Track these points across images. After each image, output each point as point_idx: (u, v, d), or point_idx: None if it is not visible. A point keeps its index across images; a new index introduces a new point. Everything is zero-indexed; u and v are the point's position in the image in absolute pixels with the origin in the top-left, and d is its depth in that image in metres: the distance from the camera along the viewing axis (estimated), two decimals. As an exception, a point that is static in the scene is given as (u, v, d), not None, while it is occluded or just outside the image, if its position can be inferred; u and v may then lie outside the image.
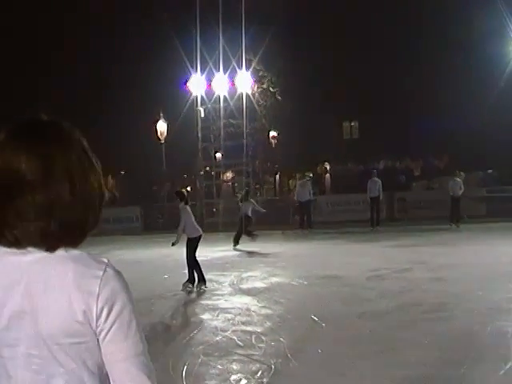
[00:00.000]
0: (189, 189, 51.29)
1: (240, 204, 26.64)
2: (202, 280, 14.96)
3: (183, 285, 14.98)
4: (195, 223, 15.71)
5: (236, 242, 25.30)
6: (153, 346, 9.75)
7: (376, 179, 30.76)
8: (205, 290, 14.64)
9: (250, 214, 25.82)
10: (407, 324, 10.45)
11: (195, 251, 15.10)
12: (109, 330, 1.94)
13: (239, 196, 28.77)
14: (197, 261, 15.12)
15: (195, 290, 14.71)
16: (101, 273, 1.96)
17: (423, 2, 43.83)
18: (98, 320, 1.93)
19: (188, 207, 15.62)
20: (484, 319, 10.29)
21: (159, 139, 38.37)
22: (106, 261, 2.02)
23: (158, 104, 38.95)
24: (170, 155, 39.27)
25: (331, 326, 10.58)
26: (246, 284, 15.59)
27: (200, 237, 15.35)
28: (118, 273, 2.01)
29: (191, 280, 15.02)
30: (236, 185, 46.73)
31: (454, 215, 29.13)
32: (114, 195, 60.94)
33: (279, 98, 43.04)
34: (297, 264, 19.15)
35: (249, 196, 27.42)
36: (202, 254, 23.07)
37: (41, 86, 47.66)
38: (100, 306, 1.92)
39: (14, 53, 46.91)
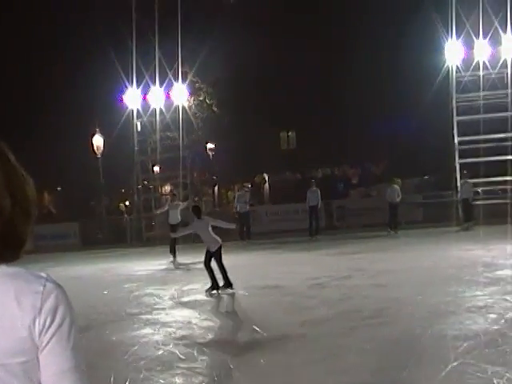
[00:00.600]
0: (127, 203, 50.97)
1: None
2: (216, 286, 15.62)
3: (207, 290, 15.71)
4: (213, 234, 15.95)
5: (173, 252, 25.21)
6: (94, 361, 9.67)
7: (315, 188, 30.98)
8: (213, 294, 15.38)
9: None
10: (348, 330, 10.49)
11: (221, 260, 15.72)
12: (48, 343, 1.91)
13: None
14: (211, 267, 15.74)
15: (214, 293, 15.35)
16: (41, 288, 1.94)
17: (358, 5, 44.21)
18: (40, 334, 1.90)
19: (202, 221, 16.13)
20: (424, 323, 10.39)
21: (95, 153, 38.02)
22: (44, 275, 2.00)
23: (94, 118, 38.63)
24: (107, 169, 38.96)
25: (273, 335, 10.56)
26: (186, 297, 15.51)
27: (220, 247, 15.85)
28: (58, 286, 1.99)
29: (214, 286, 15.66)
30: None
31: (391, 222, 29.44)
32: (51, 211, 60.30)
33: (215, 109, 43.08)
34: (237, 275, 18.99)
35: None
36: (143, 267, 23.11)
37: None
38: (42, 320, 1.90)
39: None
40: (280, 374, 8.56)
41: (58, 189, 64.23)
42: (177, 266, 23.92)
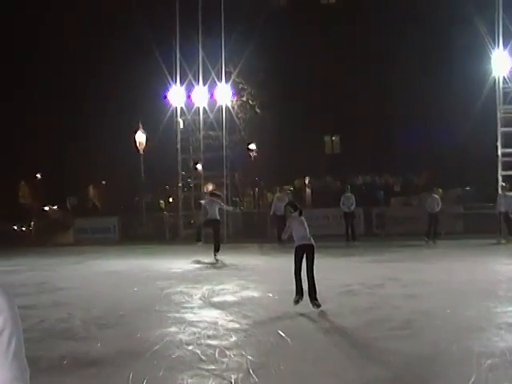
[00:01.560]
0: (170, 200, 51.18)
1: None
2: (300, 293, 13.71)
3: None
4: (305, 233, 14.21)
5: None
6: (115, 358, 9.65)
7: (349, 194, 30.71)
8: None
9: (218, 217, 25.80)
10: (373, 341, 10.32)
11: (300, 262, 13.99)
12: None
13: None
14: (298, 273, 13.94)
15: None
16: None
17: (408, 17, 43.89)
18: None
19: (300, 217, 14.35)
20: (451, 337, 10.19)
21: (138, 150, 38.19)
22: None
23: (138, 115, 38.83)
24: (149, 166, 39.11)
25: (297, 341, 10.44)
26: (216, 297, 15.43)
27: (303, 247, 14.01)
28: (2, 293, 1.87)
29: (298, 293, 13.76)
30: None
31: (430, 231, 29.07)
32: (95, 205, 60.86)
33: (258, 110, 43.02)
34: (270, 278, 19.04)
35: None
36: (177, 265, 23.13)
37: (15, 98, 47.52)
38: None
39: None
40: (298, 382, 8.44)
41: (103, 183, 64.82)
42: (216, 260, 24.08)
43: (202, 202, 28.25)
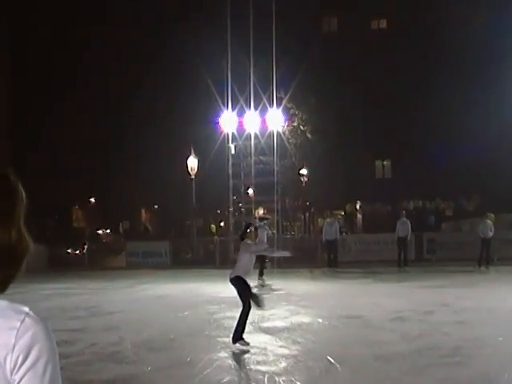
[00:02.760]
0: (222, 224, 51.37)
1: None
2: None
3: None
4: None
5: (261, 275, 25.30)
6: (165, 382, 9.67)
7: (405, 219, 30.53)
8: None
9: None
10: (423, 368, 10.19)
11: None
12: (19, 381, 1.83)
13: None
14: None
15: None
16: (18, 323, 1.85)
17: (457, 41, 43.88)
18: (11, 373, 1.82)
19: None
20: (502, 366, 10.02)
21: (190, 175, 38.41)
22: (26, 310, 1.90)
23: (190, 141, 39.13)
24: (201, 190, 39.30)
25: (346, 368, 10.35)
26: (266, 322, 15.39)
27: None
28: (39, 321, 1.88)
29: None
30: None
31: (482, 257, 28.68)
32: (147, 228, 61.39)
33: (309, 136, 43.05)
34: (321, 303, 18.93)
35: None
36: (227, 289, 23.10)
37: (71, 124, 48.28)
38: (14, 357, 1.81)
39: (34, 86, 47.60)
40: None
41: (156, 207, 65.41)
42: (264, 286, 23.99)
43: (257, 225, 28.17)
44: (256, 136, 37.30)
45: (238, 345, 12.25)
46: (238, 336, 12.30)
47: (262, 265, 25.64)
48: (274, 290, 23.18)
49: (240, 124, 37.22)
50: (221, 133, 37.84)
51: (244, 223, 15.49)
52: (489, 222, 29.05)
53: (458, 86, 43.52)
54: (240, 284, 12.63)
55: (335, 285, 25.13)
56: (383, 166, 54.67)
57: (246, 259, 12.84)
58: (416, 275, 26.89)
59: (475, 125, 42.08)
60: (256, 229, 15.45)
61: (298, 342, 12.80)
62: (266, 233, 26.15)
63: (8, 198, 1.96)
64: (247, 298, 12.59)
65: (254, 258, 13.19)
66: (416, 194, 44.38)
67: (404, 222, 30.49)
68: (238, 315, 12.67)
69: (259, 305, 12.79)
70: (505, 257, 30.94)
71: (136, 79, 47.39)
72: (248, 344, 12.24)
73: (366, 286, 24.13)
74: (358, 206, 47.60)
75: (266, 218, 29.33)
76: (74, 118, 49.50)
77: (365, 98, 46.35)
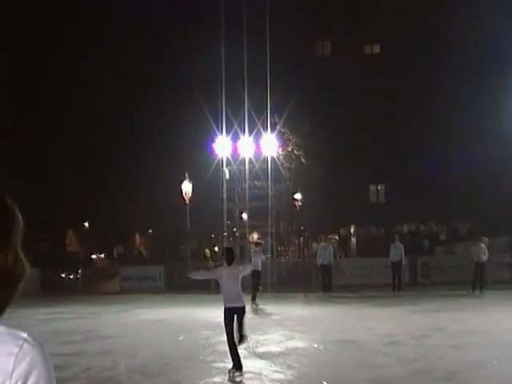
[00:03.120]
0: (216, 249, 51.26)
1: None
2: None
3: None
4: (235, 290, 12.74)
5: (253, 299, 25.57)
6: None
7: (398, 244, 30.49)
8: None
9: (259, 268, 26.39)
10: (419, 392, 10.21)
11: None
12: None
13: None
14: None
15: None
16: (17, 349, 1.85)
17: (448, 61, 44.27)
18: None
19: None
20: (497, 389, 10.04)
21: (184, 199, 38.39)
22: (24, 336, 1.90)
23: (184, 165, 39.17)
24: (195, 215, 39.25)
25: (341, 392, 10.36)
26: (261, 347, 15.36)
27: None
28: (37, 347, 1.88)
29: None
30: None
31: (476, 281, 28.70)
32: (141, 253, 61.29)
33: (304, 160, 43.14)
34: (315, 328, 18.91)
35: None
36: (221, 315, 23.09)
37: (66, 147, 48.31)
38: (13, 383, 1.82)
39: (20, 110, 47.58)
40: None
41: (150, 231, 65.31)
42: (257, 309, 24.12)
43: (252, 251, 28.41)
44: (250, 161, 37.39)
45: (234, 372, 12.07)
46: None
47: (255, 289, 25.94)
48: (269, 315, 23.18)
49: (234, 149, 37.32)
50: (215, 157, 37.92)
51: (225, 248, 15.20)
52: (482, 245, 29.11)
53: (451, 110, 43.76)
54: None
55: (329, 309, 25.11)
56: (377, 190, 54.75)
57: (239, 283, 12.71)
58: (410, 299, 26.87)
59: (468, 147, 42.27)
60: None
61: (293, 367, 12.78)
62: (260, 258, 26.41)
63: (6, 222, 1.97)
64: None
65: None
66: (410, 218, 44.44)
67: (397, 247, 30.45)
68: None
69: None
70: (498, 280, 31.00)
71: (130, 105, 47.51)
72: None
73: (361, 310, 24.11)
74: (352, 230, 47.59)
75: (260, 243, 29.55)
76: (69, 143, 49.53)
77: (358, 122, 46.53)
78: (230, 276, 12.52)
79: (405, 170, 46.28)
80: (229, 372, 12.05)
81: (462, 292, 28.14)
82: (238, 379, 11.81)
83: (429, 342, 15.31)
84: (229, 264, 12.74)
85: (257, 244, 28.51)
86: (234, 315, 12.33)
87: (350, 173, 46.42)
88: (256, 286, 26.48)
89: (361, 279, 34.69)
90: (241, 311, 12.44)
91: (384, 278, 31.71)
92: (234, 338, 12.22)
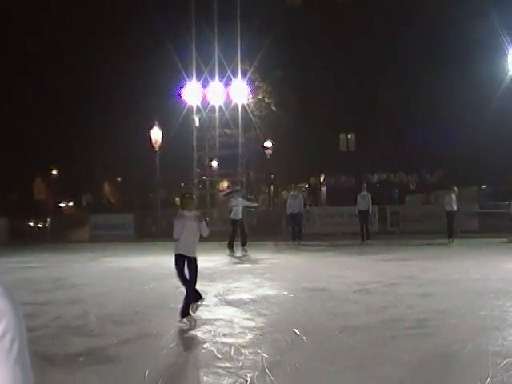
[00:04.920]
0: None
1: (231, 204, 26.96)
2: None
3: None
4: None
5: (231, 248, 25.74)
6: (131, 355, 9.69)
7: (365, 193, 30.52)
8: None
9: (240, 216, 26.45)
10: (388, 340, 10.31)
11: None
12: None
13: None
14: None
15: None
16: None
17: (422, 17, 43.91)
18: None
19: None
20: (466, 337, 10.15)
21: (153, 147, 38.23)
22: None
23: (153, 113, 38.91)
24: (164, 163, 39.15)
25: (312, 339, 10.44)
26: (231, 295, 15.45)
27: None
28: (6, 295, 1.83)
29: None
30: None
31: (451, 229, 28.87)
32: (110, 201, 61.09)
33: (274, 108, 43.02)
34: (285, 276, 19.03)
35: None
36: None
37: (29, 99, 47.67)
38: None
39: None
40: (313, 380, 8.45)
41: (118, 179, 65.04)
42: (233, 258, 24.32)
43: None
44: (220, 108, 37.26)
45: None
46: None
47: (232, 237, 26.19)
48: (239, 263, 23.34)
49: (204, 96, 37.09)
50: (185, 105, 37.70)
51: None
52: (453, 195, 29.27)
53: (424, 57, 43.64)
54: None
55: (299, 258, 25.28)
56: (347, 139, 54.82)
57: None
58: (380, 248, 27.15)
59: (438, 97, 42.32)
60: None
61: (264, 315, 12.86)
62: (239, 206, 26.43)
63: None
64: None
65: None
66: (380, 168, 44.64)
67: (364, 196, 30.48)
68: (203, 288, 12.66)
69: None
70: (468, 230, 31.37)
71: (98, 51, 46.89)
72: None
73: (331, 258, 24.31)
74: (322, 179, 47.77)
75: (229, 193, 29.61)
76: (36, 88, 48.92)
77: (330, 71, 46.31)
78: (189, 226, 12.58)
79: (376, 119, 46.29)
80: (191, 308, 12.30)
81: (431, 241, 28.48)
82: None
83: (398, 290, 15.46)
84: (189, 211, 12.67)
85: (226, 195, 28.55)
86: (184, 262, 12.58)
87: (321, 121, 46.33)
88: (233, 234, 26.56)
89: (330, 228, 34.93)
90: (191, 261, 12.56)
91: (354, 227, 31.94)
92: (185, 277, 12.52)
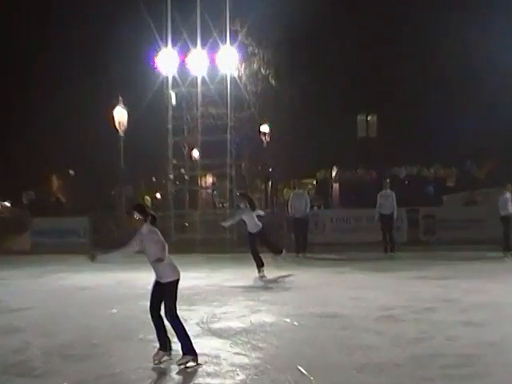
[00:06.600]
0: (158, 196, 51.17)
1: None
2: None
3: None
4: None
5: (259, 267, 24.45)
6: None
7: (388, 192, 30.23)
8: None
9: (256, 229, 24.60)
10: (422, 382, 10.26)
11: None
12: None
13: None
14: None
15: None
16: None
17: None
18: None
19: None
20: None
21: (117, 130, 38.11)
22: None
23: (117, 86, 38.79)
24: (131, 151, 39.06)
25: (322, 380, 10.39)
26: (218, 323, 15.42)
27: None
28: None
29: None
30: (215, 193, 46.64)
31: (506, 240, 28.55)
32: (59, 200, 60.87)
33: (273, 82, 42.98)
34: (287, 298, 19.02)
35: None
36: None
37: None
38: None
39: None
40: None
41: (71, 172, 64.90)
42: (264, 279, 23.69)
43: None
44: (204, 81, 37.19)
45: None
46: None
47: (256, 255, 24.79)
48: (227, 281, 23.28)
49: (183, 64, 37.02)
50: (158, 76, 37.65)
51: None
52: (510, 195, 29.04)
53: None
54: None
55: (305, 274, 25.24)
56: (367, 121, 54.90)
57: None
58: (409, 262, 27.18)
59: (486, 74, 42.44)
60: None
61: (260, 348, 12.83)
62: (252, 217, 25.12)
63: None
64: None
65: None
66: (409, 159, 44.69)
67: (387, 196, 30.20)
68: (181, 314, 12.61)
69: None
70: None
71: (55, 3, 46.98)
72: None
73: (344, 275, 24.32)
74: (334, 173, 47.82)
75: (245, 195, 27.91)
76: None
77: (343, 34, 46.24)
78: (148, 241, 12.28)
79: (404, 96, 46.30)
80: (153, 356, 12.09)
81: (478, 253, 28.47)
82: (189, 364, 11.77)
83: (434, 317, 15.44)
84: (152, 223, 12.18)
85: (243, 196, 26.83)
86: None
87: (333, 99, 46.32)
88: (253, 254, 24.89)
89: (344, 236, 34.93)
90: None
91: (375, 236, 31.84)
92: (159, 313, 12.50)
